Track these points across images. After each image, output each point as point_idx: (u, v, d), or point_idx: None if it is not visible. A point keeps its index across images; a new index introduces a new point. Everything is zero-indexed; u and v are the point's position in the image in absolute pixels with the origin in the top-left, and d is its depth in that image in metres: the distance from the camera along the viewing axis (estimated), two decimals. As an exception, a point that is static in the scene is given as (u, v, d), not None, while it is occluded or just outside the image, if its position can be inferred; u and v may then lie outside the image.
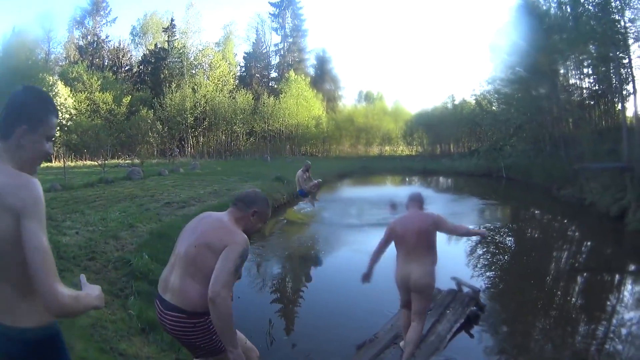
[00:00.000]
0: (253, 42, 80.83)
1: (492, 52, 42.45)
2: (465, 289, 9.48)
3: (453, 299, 9.11)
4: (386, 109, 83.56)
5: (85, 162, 43.29)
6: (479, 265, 12.57)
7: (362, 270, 6.75)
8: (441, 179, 46.12)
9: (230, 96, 66.84)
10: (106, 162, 31.14)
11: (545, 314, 9.53)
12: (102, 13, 71.84)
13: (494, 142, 48.63)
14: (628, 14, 23.52)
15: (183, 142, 64.25)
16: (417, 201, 6.92)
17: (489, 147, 48.80)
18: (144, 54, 73.05)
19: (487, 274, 11.96)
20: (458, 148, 67.06)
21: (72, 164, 39.15)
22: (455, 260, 12.38)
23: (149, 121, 60.73)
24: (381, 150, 79.40)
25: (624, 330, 8.65)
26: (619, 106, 29.03)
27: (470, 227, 7.86)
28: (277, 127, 70.03)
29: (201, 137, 66.47)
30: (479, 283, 10.48)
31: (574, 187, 26.39)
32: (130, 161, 43.23)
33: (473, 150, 57.34)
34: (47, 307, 2.34)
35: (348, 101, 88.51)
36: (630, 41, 23.75)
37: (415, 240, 6.42)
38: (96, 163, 34.70)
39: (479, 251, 14.41)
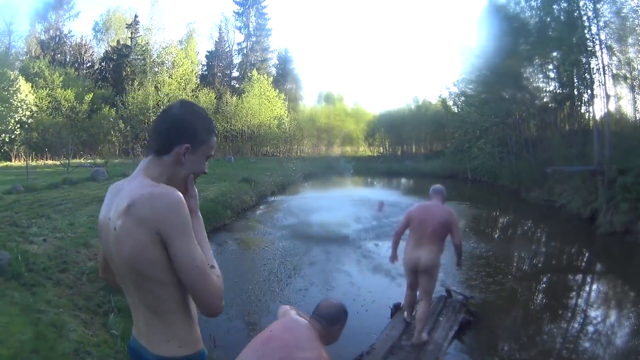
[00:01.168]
0: (216, 41, 79.96)
1: (462, 53, 42.35)
2: (456, 296, 9.60)
3: (444, 305, 9.18)
4: (347, 109, 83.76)
5: (46, 162, 42.43)
6: (461, 272, 12.47)
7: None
8: (406, 180, 46.36)
9: (192, 95, 65.87)
10: (69, 161, 30.50)
11: (534, 318, 9.71)
12: (65, 7, 69.96)
13: (460, 143, 48.80)
14: (595, 21, 23.72)
15: (145, 142, 62.02)
16: (439, 194, 7.57)
17: (455, 149, 48.99)
18: (106, 51, 71.58)
19: (471, 280, 11.87)
20: (421, 149, 67.30)
21: (34, 163, 38.44)
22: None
23: (111, 120, 59.46)
24: (342, 150, 79.53)
25: (609, 332, 8.99)
26: (583, 109, 29.39)
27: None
28: (239, 127, 69.76)
29: (164, 137, 64.62)
30: (464, 289, 10.48)
31: (543, 190, 26.59)
32: (92, 161, 42.57)
33: (438, 151, 57.71)
34: (209, 316, 2.29)
35: (309, 102, 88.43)
36: (597, 47, 23.88)
37: (433, 228, 7.16)
38: (58, 163, 33.97)
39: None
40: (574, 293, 11.64)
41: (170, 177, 2.43)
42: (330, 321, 4.07)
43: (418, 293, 7.83)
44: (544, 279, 12.78)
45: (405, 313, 8.33)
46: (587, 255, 16.42)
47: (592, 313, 10.10)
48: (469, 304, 9.32)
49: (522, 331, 8.93)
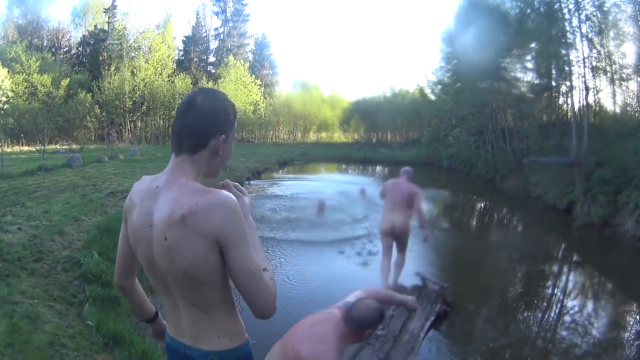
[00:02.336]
0: (193, 26, 79.58)
1: (443, 41, 42.42)
2: (432, 286, 9.56)
3: (420, 295, 9.07)
4: (323, 96, 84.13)
5: (22, 148, 41.89)
6: (436, 261, 12.44)
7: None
8: (382, 168, 46.14)
9: (169, 80, 65.60)
10: (44, 147, 30.22)
11: (510, 308, 9.91)
12: (44, -9, 69.61)
13: (436, 132, 48.92)
14: (577, 14, 23.80)
15: (121, 127, 62.66)
16: (407, 174, 9.59)
17: (431, 137, 49.13)
18: (84, 35, 70.65)
19: (447, 270, 11.96)
20: (397, 137, 67.42)
21: (9, 150, 38.08)
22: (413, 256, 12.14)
23: (87, 105, 58.81)
24: (318, 137, 79.92)
25: (584, 322, 9.17)
26: (562, 101, 29.50)
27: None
28: (215, 113, 68.46)
29: (139, 122, 65.09)
30: (440, 279, 10.25)
31: (518, 180, 26.71)
32: (68, 146, 42.11)
33: (414, 139, 57.77)
34: (261, 319, 2.29)
35: (285, 88, 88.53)
36: (577, 40, 24.02)
37: (401, 198, 9.19)
38: (34, 149, 33.62)
39: (435, 246, 14.16)
40: (550, 283, 11.77)
41: (205, 172, 2.43)
42: (363, 326, 4.05)
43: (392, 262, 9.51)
44: (521, 269, 12.80)
45: (381, 280, 9.22)
46: (563, 246, 16.57)
47: (568, 303, 10.33)
48: (446, 294, 9.27)
49: (498, 321, 9.08)
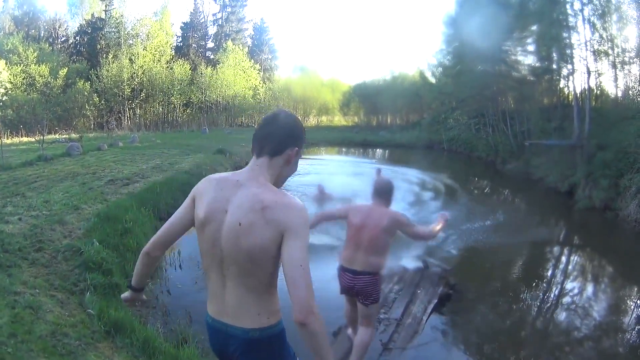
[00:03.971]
0: (191, 12, 79.33)
1: (444, 23, 42.15)
2: (434, 268, 9.50)
3: (422, 277, 9.07)
4: (322, 80, 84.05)
5: (22, 139, 41.65)
6: (437, 243, 12.37)
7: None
8: (383, 150, 46.18)
9: (167, 67, 65.59)
10: (44, 138, 30.13)
11: (513, 290, 9.85)
12: (39, -19, 69.36)
13: (436, 114, 48.84)
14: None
15: (120, 115, 62.60)
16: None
17: (432, 120, 49.03)
18: (81, 24, 70.13)
19: (448, 252, 11.83)
20: (396, 120, 67.13)
21: (9, 141, 38.02)
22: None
23: (86, 94, 58.61)
24: (318, 121, 79.74)
25: (586, 305, 9.24)
26: (563, 84, 29.33)
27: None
28: (213, 98, 69.42)
29: (138, 109, 64.89)
30: (441, 261, 10.39)
31: (519, 162, 26.60)
32: (67, 136, 41.95)
33: (414, 122, 57.62)
34: (299, 318, 2.44)
35: (284, 72, 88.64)
36: (579, 23, 23.96)
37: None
38: (33, 139, 33.56)
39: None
40: (551, 267, 11.78)
41: (277, 176, 2.85)
42: (390, 190, 5.99)
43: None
44: (522, 252, 12.77)
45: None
46: (565, 229, 16.54)
47: (570, 287, 10.36)
48: (448, 277, 9.26)
49: (500, 304, 9.09)
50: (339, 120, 79.70)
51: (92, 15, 68.57)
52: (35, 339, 5.36)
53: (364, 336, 5.91)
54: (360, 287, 5.71)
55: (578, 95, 24.25)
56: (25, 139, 39.51)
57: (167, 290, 9.22)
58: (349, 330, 6.72)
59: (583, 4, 23.57)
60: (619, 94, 26.93)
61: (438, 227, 5.96)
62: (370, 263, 5.64)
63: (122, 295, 3.33)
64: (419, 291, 8.48)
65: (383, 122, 68.76)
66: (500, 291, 9.69)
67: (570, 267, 11.85)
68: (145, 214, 12.71)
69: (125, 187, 15.83)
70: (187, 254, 10.99)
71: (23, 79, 53.78)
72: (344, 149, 47.81)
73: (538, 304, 9.20)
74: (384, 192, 5.92)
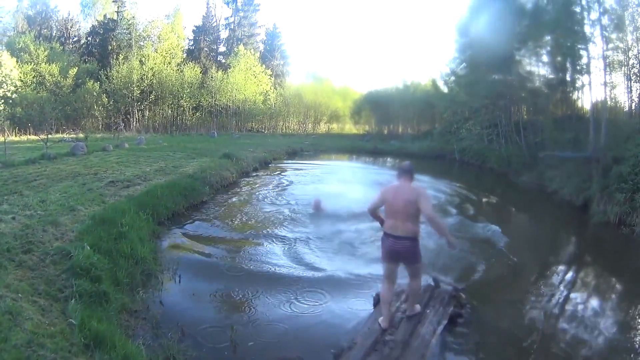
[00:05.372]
0: (203, 16, 79.43)
1: (458, 31, 41.78)
2: (444, 286, 9.09)
3: (431, 296, 8.65)
4: (334, 87, 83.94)
5: (30, 137, 41.80)
6: (448, 260, 11.93)
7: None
8: (393, 159, 45.63)
9: (177, 69, 65.69)
10: (50, 136, 29.95)
11: (528, 311, 9.27)
12: (52, -20, 69.64)
13: (448, 124, 48.68)
14: (597, 6, 23.38)
15: (129, 116, 62.66)
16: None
17: (443, 129, 48.88)
18: (93, 25, 70.78)
19: (459, 268, 11.38)
20: (408, 129, 66.73)
21: (17, 139, 38.11)
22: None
23: (95, 94, 58.85)
24: (329, 128, 79.82)
25: (609, 331, 8.57)
26: (578, 96, 29.05)
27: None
28: (223, 102, 69.43)
29: (147, 111, 65.00)
30: (453, 278, 10.01)
31: (533, 174, 26.21)
32: (75, 135, 41.86)
33: (426, 132, 57.48)
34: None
35: (296, 78, 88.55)
36: (597, 33, 23.67)
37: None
38: (39, 138, 33.49)
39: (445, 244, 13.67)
40: (568, 284, 11.13)
41: None
42: (413, 174, 7.51)
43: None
44: (536, 268, 12.23)
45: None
46: (580, 245, 15.91)
47: (588, 306, 9.76)
48: (459, 296, 8.79)
49: (514, 324, 8.56)
50: (349, 128, 79.78)
51: (105, 16, 69.28)
52: (9, 348, 5.12)
53: (414, 286, 7.65)
54: (404, 250, 7.20)
55: (594, 106, 23.88)
56: (33, 137, 39.51)
57: (159, 301, 8.75)
58: (381, 318, 7.53)
59: (601, 13, 23.14)
60: (633, 106, 26.68)
61: (447, 231, 7.33)
62: (409, 229, 7.10)
63: None
64: (427, 311, 8.06)
65: (394, 131, 68.29)
66: (515, 311, 9.14)
67: (585, 286, 11.32)
68: (143, 218, 12.35)
69: (125, 190, 15.64)
70: (188, 267, 10.69)
71: (33, 77, 54.21)
72: (354, 157, 47.27)
73: (554, 326, 8.66)
74: (407, 170, 7.47)
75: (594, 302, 10.01)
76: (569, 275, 11.93)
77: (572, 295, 10.28)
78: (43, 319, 6.10)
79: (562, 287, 10.72)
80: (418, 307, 7.91)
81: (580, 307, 9.54)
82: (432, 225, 7.14)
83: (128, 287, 8.58)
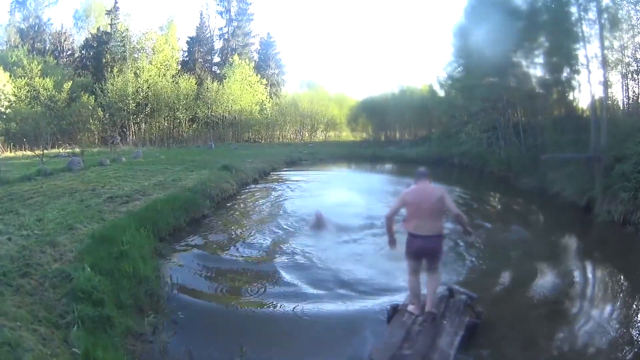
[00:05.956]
0: (197, 27, 79.17)
1: (454, 34, 41.69)
2: (459, 295, 8.94)
3: (446, 306, 8.50)
4: (329, 95, 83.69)
5: (25, 152, 41.67)
6: (459, 267, 11.77)
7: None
8: (392, 166, 45.60)
9: (173, 81, 65.58)
10: (45, 151, 29.79)
11: (545, 317, 9.10)
12: (44, -7, 69.47)
13: (447, 128, 48.68)
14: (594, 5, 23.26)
15: (125, 129, 62.47)
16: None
17: (442, 134, 48.84)
18: (87, 38, 70.83)
19: (470, 276, 11.32)
20: (405, 135, 66.90)
21: (12, 155, 37.95)
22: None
23: (90, 108, 58.69)
24: (326, 136, 79.49)
25: (624, 329, 8.58)
26: (577, 96, 28.98)
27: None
28: (220, 113, 69.25)
29: (143, 124, 64.91)
30: (466, 286, 9.64)
31: (534, 177, 26.08)
32: (71, 150, 41.74)
33: (424, 137, 57.64)
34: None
35: (291, 87, 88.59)
36: (594, 32, 23.62)
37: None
38: (35, 153, 33.26)
39: (456, 251, 13.50)
40: (579, 285, 10.98)
41: None
42: (428, 176, 8.17)
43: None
44: (546, 271, 12.01)
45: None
46: (587, 245, 15.71)
47: (603, 308, 9.67)
48: (474, 305, 8.60)
49: (531, 331, 8.45)
50: (346, 135, 79.45)
51: (98, 29, 69.32)
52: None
53: (434, 280, 8.19)
54: (433, 248, 7.96)
55: (594, 106, 23.78)
56: (28, 153, 39.39)
57: (166, 323, 8.47)
58: (410, 306, 8.34)
59: (598, 12, 23.00)
60: (628, 104, 26.71)
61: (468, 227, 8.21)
62: (436, 227, 7.93)
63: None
64: (444, 322, 7.89)
65: (391, 137, 68.50)
66: (528, 317, 8.99)
67: (596, 286, 11.19)
68: (144, 235, 12.03)
69: (124, 205, 15.36)
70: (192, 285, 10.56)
71: (27, 92, 54.06)
72: (353, 164, 47.21)
73: (567, 331, 8.53)
74: (425, 174, 8.24)
75: (611, 303, 9.97)
76: (580, 276, 11.76)
77: (586, 296, 10.22)
78: (45, 349, 5.86)
79: (574, 289, 10.59)
80: (412, 307, 8.29)
81: (597, 308, 9.54)
82: (457, 219, 8.03)
83: (132, 309, 8.27)
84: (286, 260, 12.55)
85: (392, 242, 8.31)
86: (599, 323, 8.68)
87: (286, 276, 11.25)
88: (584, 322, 8.72)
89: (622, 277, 11.73)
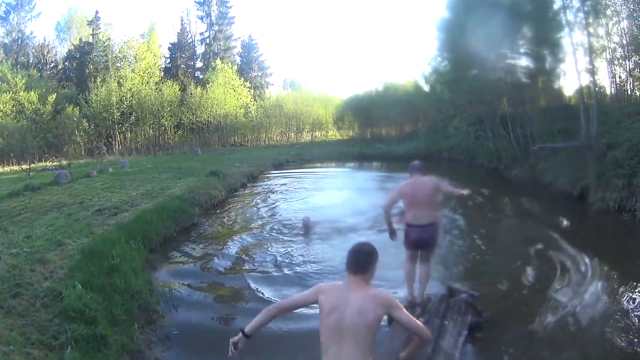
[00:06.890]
0: (178, 32, 78.67)
1: (438, 28, 41.50)
2: (459, 294, 8.84)
3: (447, 306, 8.42)
4: (314, 95, 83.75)
5: (12, 167, 41.36)
6: (456, 265, 11.66)
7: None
8: (380, 163, 45.33)
9: (156, 88, 65.26)
10: (33, 165, 29.63)
11: (548, 314, 8.88)
12: (26, 8, 68.94)
13: (434, 123, 48.62)
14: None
15: (110, 139, 62.05)
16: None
17: (429, 129, 48.79)
18: (69, 50, 70.42)
19: (468, 273, 11.23)
20: (391, 132, 66.43)
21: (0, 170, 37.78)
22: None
23: (75, 119, 58.23)
24: (312, 136, 79.41)
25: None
26: (565, 84, 29.11)
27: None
28: (204, 118, 69.07)
29: (129, 133, 64.51)
30: (465, 284, 9.57)
31: (525, 167, 26.08)
32: (58, 163, 41.45)
33: (411, 132, 57.57)
34: (426, 335, 4.43)
35: (275, 89, 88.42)
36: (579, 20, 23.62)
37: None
38: (22, 168, 33.02)
39: (453, 248, 13.52)
40: (581, 277, 10.78)
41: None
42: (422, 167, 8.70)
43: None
44: (546, 264, 11.86)
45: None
46: (584, 235, 15.65)
47: (609, 300, 9.54)
48: (476, 303, 8.48)
49: (534, 327, 8.30)
50: (333, 134, 79.56)
51: (80, 39, 68.75)
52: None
53: (425, 271, 8.64)
54: (429, 236, 8.37)
55: (583, 94, 23.79)
56: (15, 167, 39.07)
57: (161, 338, 8.31)
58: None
59: (582, 1, 22.99)
60: (614, 90, 26.82)
61: (463, 191, 8.73)
62: (432, 215, 8.37)
63: (232, 339, 4.36)
64: (446, 322, 7.74)
65: (377, 134, 68.03)
66: (530, 313, 8.80)
67: (600, 277, 10.90)
68: (135, 247, 11.80)
69: (113, 217, 15.17)
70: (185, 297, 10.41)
71: (12, 106, 53.66)
72: (341, 163, 46.89)
73: (572, 321, 8.49)
74: (418, 167, 8.73)
75: (617, 295, 9.83)
76: (583, 268, 11.52)
77: (590, 289, 10.00)
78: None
79: (577, 282, 10.42)
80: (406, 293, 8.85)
81: (604, 301, 9.46)
82: (453, 194, 8.85)
83: (126, 325, 8.03)
84: (280, 270, 12.36)
85: (393, 232, 8.64)
86: (601, 314, 8.64)
87: (282, 287, 11.09)
88: (583, 314, 8.68)
89: (622, 267, 11.59)
